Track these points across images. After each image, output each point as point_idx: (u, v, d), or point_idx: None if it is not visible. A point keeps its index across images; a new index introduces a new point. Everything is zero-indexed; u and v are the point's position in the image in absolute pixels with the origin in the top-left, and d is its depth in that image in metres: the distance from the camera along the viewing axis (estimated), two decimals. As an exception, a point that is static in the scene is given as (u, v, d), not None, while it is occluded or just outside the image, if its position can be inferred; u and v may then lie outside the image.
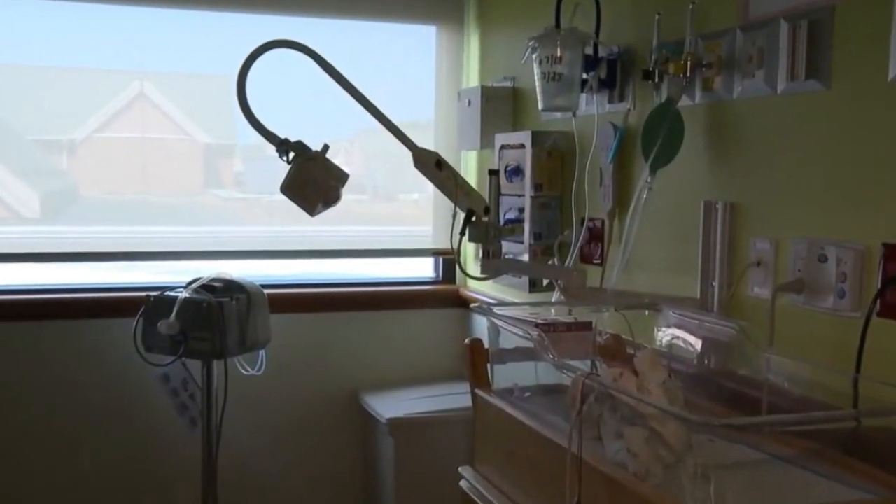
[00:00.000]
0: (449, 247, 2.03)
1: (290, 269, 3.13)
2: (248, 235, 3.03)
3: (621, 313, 1.80)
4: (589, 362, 1.74)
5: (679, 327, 1.72)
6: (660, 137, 1.84)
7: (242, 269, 2.81)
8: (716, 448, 1.39)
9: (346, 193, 1.88)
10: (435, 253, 3.15)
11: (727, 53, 1.77)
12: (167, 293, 2.50)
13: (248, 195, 3.12)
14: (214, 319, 2.41)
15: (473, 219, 1.94)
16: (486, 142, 2.70)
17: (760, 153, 1.72)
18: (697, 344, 1.68)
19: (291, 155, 1.80)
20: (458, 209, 1.91)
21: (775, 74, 1.66)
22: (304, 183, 1.79)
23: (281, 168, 1.85)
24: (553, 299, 2.26)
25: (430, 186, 2.52)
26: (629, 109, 2.11)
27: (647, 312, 1.81)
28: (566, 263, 2.31)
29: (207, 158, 3.09)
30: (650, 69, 1.92)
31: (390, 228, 3.18)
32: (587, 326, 1.77)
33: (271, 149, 1.84)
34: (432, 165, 1.89)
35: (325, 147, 1.82)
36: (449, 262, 3.19)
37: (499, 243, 2.01)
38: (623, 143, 2.12)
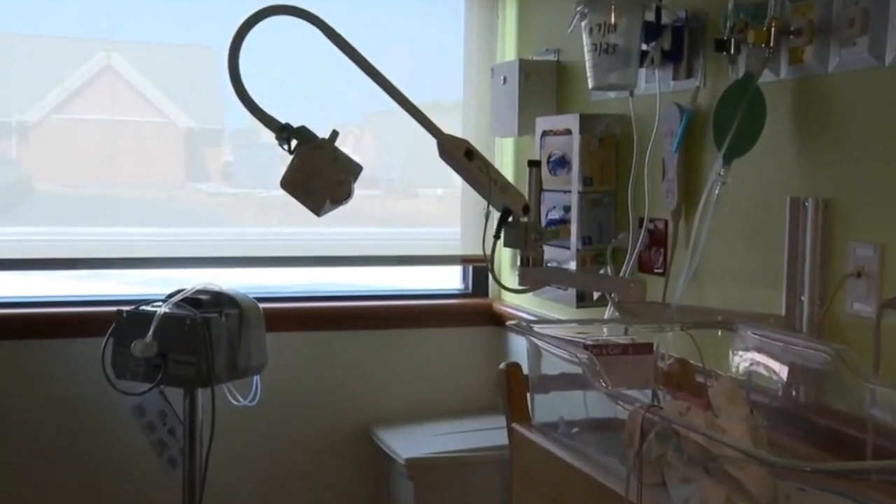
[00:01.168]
0: (480, 253, 2.02)
1: (291, 278, 3.15)
2: (240, 238, 3.05)
3: (688, 333, 1.80)
4: (649, 392, 1.74)
5: (760, 351, 1.71)
6: (736, 121, 1.84)
7: (233, 278, 2.83)
8: (808, 500, 1.38)
9: (357, 188, 1.89)
10: (464, 260, 3.16)
11: (821, 17, 1.76)
12: (142, 308, 2.52)
13: (238, 190, 3.14)
14: (199, 339, 2.43)
15: (510, 219, 1.94)
16: (524, 127, 2.71)
17: (862, 139, 1.71)
18: (783, 372, 1.67)
19: (293, 143, 1.81)
20: (491, 208, 1.92)
21: (883, 42, 1.64)
22: (309, 176, 1.80)
23: (279, 158, 1.86)
24: (606, 316, 2.26)
25: (457, 180, 2.52)
26: (698, 87, 2.11)
27: (719, 332, 1.80)
28: (622, 273, 2.31)
29: (189, 146, 3.12)
30: (725, 38, 1.91)
31: (409, 230, 3.19)
32: (647, 349, 1.77)
33: (267, 135, 1.85)
34: (461, 155, 1.90)
35: (334, 134, 1.83)
36: (480, 270, 3.19)
37: (540, 249, 2.01)
38: (691, 129, 2.12)
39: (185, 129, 3.09)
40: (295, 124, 1.83)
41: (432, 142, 1.91)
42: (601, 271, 2.40)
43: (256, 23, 1.81)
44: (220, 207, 3.15)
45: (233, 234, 3.06)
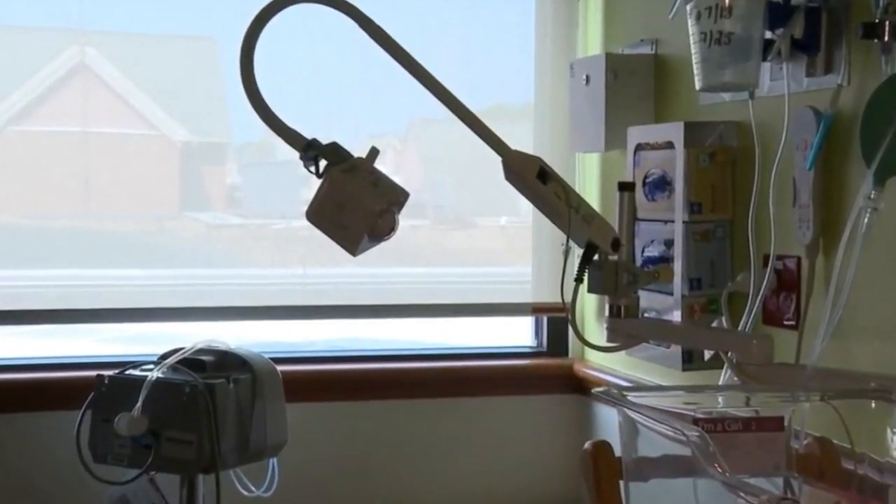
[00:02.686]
0: (557, 300, 2.04)
1: (317, 334, 3.19)
2: (252, 283, 3.08)
3: (830, 404, 1.79)
4: (780, 481, 1.74)
5: (927, 428, 1.70)
6: (891, 129, 1.83)
7: (244, 334, 2.88)
8: None
9: (400, 218, 1.91)
10: (536, 309, 3.17)
11: None
12: (128, 372, 2.56)
13: (248, 221, 3.18)
14: (201, 412, 2.45)
15: (596, 257, 1.96)
16: (613, 139, 2.73)
17: None
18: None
19: (322, 164, 1.85)
20: (571, 243, 1.94)
21: None
22: (342, 206, 1.83)
23: (299, 179, 1.89)
24: (721, 381, 2.25)
25: (526, 207, 2.55)
26: (840, 86, 2.10)
27: (873, 404, 1.78)
28: (741, 326, 2.31)
29: (186, 164, 3.16)
30: (876, 21, 1.91)
31: (466, 271, 3.22)
32: (776, 425, 1.76)
33: (284, 149, 1.89)
34: (532, 177, 1.92)
35: (374, 152, 1.87)
36: (558, 323, 3.21)
37: (635, 295, 2.02)
38: (830, 139, 2.11)
39: (179, 144, 3.14)
40: (323, 139, 1.87)
41: (495, 159, 1.94)
42: (714, 324, 2.40)
43: (275, 13, 1.85)
44: (225, 243, 3.19)
45: (242, 278, 3.09)
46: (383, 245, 1.92)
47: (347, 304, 3.06)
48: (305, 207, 1.89)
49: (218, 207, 3.21)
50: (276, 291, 3.05)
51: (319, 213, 1.86)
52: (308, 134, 1.87)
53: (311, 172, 1.85)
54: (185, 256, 3.14)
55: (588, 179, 3.09)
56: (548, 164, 1.94)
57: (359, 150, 1.89)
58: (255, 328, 3.04)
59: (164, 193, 3.14)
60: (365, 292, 3.07)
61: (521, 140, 2.30)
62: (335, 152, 1.86)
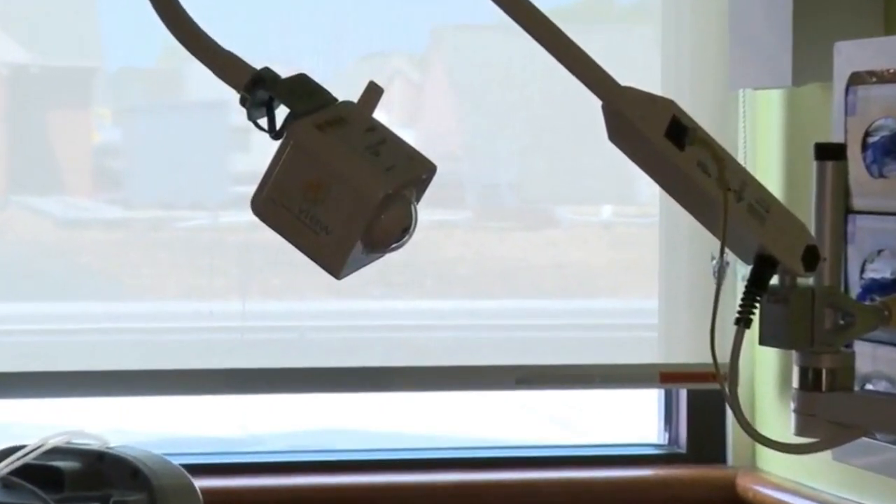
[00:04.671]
0: (706, 359, 2.04)
1: (269, 421, 3.23)
2: (146, 328, 3.14)
3: None
4: None
5: None
6: None
7: (132, 423, 2.92)
8: None
9: (420, 208, 1.92)
10: (667, 377, 3.21)
11: None
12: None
13: (136, 213, 3.22)
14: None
15: (776, 280, 1.98)
16: (807, 66, 2.75)
17: None
18: None
19: (281, 113, 1.86)
20: (730, 254, 1.97)
21: None
22: (317, 188, 1.83)
23: (239, 141, 1.89)
24: None
25: (650, 190, 2.55)
26: None
27: None
28: None
29: (19, 108, 3.23)
30: None
31: (538, 307, 3.26)
32: None
33: (206, 86, 1.91)
34: (659, 134, 1.94)
35: (373, 91, 1.87)
36: (707, 401, 3.25)
37: (849, 350, 2.02)
38: None
39: (6, 71, 3.20)
40: (283, 70, 1.88)
41: (591, 102, 1.96)
42: None
43: None
44: (92, 254, 3.23)
45: (128, 319, 3.14)
46: (388, 259, 1.94)
47: (323, 366, 3.08)
48: (247, 189, 1.89)
49: (78, 188, 3.28)
50: (192, 344, 3.08)
51: (276, 203, 1.86)
52: (255, 61, 1.88)
53: (259, 128, 1.87)
54: (16, 280, 3.17)
55: (761, 138, 3.12)
56: (684, 113, 1.96)
57: (345, 89, 1.90)
58: (154, 411, 3.07)
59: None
60: (355, 345, 3.11)
61: (638, 67, 2.30)
62: (304, 92, 1.88)
